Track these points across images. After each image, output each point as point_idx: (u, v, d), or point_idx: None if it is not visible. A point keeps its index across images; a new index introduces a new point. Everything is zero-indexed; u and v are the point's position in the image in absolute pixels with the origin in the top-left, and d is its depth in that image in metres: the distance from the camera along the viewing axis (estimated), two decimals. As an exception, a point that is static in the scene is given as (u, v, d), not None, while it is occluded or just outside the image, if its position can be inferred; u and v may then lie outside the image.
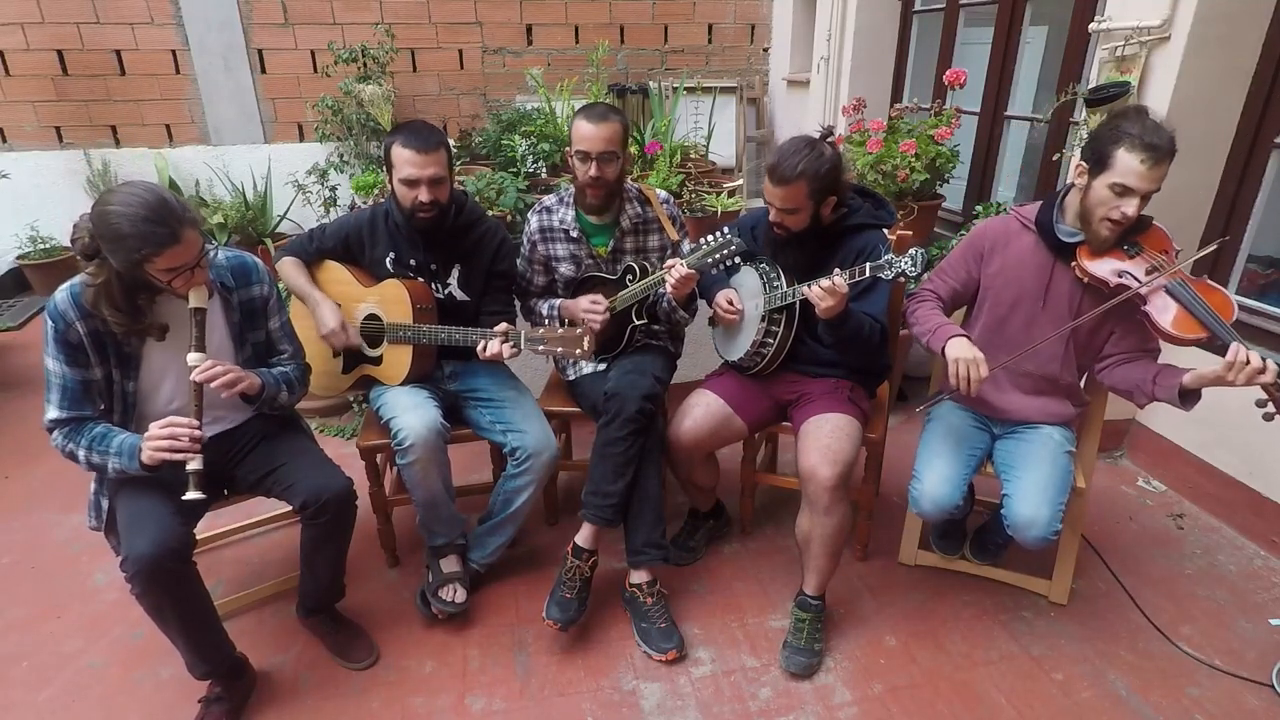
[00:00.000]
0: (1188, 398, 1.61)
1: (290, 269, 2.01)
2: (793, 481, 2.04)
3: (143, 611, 1.56)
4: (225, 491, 1.82)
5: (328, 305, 1.96)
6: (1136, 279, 1.62)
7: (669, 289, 1.88)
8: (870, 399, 2.06)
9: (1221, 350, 1.52)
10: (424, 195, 1.84)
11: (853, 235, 1.87)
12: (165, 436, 1.49)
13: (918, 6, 3.72)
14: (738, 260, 1.90)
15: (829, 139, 1.79)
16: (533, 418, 1.99)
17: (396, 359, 1.98)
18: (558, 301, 2.13)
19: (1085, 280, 1.69)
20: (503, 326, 1.83)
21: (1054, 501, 1.69)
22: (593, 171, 1.92)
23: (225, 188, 4.27)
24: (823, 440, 1.81)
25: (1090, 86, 2.41)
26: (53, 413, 1.55)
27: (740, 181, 3.49)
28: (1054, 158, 2.74)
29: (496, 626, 1.99)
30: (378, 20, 4.29)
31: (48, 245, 4.10)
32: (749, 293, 1.94)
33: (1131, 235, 1.65)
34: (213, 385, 1.54)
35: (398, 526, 2.20)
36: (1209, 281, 1.63)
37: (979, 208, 2.99)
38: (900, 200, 2.94)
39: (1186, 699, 1.77)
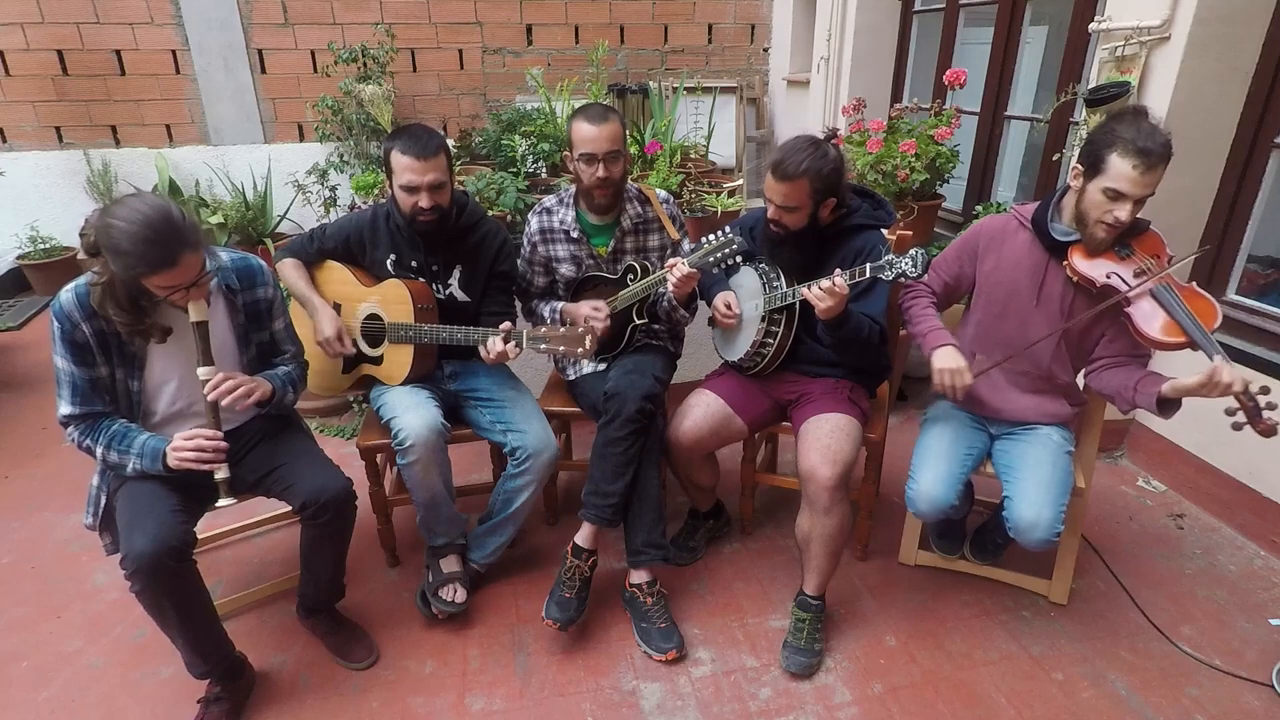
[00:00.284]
0: (1166, 406, 1.60)
1: (290, 271, 2.01)
2: (793, 481, 2.04)
3: (143, 611, 1.56)
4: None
5: (326, 313, 1.96)
6: (1124, 281, 1.62)
7: (670, 288, 1.88)
8: (870, 399, 2.06)
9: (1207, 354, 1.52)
10: (424, 201, 1.84)
11: (852, 235, 1.87)
12: (192, 449, 1.53)
13: (918, 6, 3.72)
14: (738, 260, 1.90)
15: (832, 140, 1.79)
16: (533, 417, 1.99)
17: (397, 359, 1.98)
18: (559, 305, 2.13)
19: (1075, 280, 1.70)
20: (505, 326, 1.83)
21: (1056, 503, 1.69)
22: (600, 172, 1.92)
23: (225, 188, 4.27)
24: (823, 440, 1.81)
25: (1090, 86, 2.42)
26: (65, 408, 1.57)
27: (740, 181, 3.48)
28: (1054, 158, 2.75)
29: (496, 626, 1.99)
30: (378, 20, 4.29)
31: (48, 245, 4.11)
32: (749, 293, 1.94)
33: (1126, 238, 1.65)
34: (227, 401, 1.57)
35: (398, 526, 2.20)
36: (1196, 288, 1.63)
37: (979, 208, 2.99)
38: (900, 200, 2.94)
39: (1186, 699, 1.77)
